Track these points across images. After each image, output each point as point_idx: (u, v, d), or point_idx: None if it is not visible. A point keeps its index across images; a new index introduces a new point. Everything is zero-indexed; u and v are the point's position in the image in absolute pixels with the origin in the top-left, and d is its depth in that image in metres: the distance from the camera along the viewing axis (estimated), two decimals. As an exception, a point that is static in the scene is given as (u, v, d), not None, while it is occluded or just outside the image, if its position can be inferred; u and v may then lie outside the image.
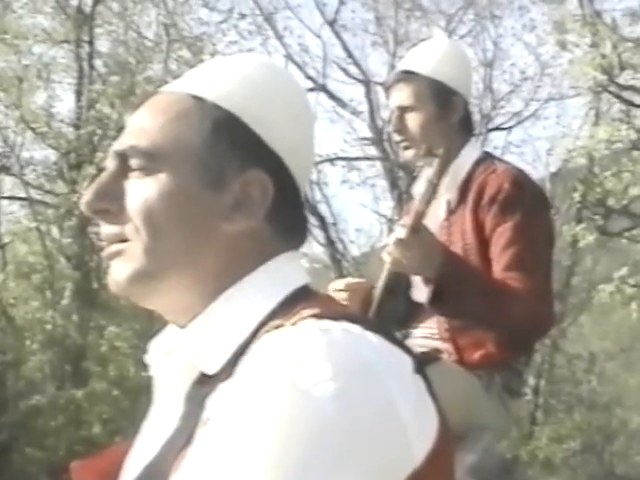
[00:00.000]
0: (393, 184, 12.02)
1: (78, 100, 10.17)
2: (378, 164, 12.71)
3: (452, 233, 2.02)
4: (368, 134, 12.52)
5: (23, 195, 10.44)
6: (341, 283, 2.14)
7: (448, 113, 2.06)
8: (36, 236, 10.06)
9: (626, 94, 9.40)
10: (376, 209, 13.21)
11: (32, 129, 10.06)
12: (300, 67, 12.28)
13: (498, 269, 1.94)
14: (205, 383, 0.80)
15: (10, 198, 10.98)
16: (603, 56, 8.87)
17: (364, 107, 12.43)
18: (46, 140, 10.18)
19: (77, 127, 10.03)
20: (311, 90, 11.89)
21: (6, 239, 10.69)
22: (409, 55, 2.18)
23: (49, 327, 9.28)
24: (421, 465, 0.73)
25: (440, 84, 2.05)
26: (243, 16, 11.63)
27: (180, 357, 0.83)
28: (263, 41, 12.02)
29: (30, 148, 10.49)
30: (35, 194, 10.46)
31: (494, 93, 12.69)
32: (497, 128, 12.91)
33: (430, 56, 2.08)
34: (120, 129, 0.90)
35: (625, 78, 9.12)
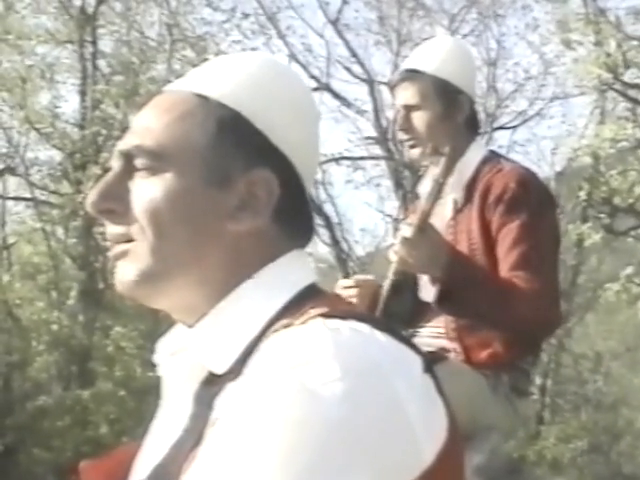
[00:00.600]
0: (398, 183, 12.01)
1: (82, 100, 10.19)
2: (383, 164, 12.71)
3: (458, 232, 2.02)
4: (373, 133, 12.53)
5: (28, 196, 10.46)
6: (349, 280, 2.13)
7: (454, 112, 2.05)
8: (41, 237, 10.08)
9: (632, 92, 9.38)
10: (381, 209, 13.22)
11: (36, 129, 10.07)
12: (304, 67, 12.29)
13: (504, 268, 1.94)
14: (213, 383, 0.79)
15: (15, 199, 11.01)
16: (608, 54, 8.86)
17: (368, 106, 12.44)
18: (51, 140, 10.19)
19: (82, 127, 10.05)
20: (315, 90, 11.90)
21: (11, 240, 10.70)
22: (414, 54, 2.17)
23: (55, 328, 9.30)
24: (431, 465, 0.72)
25: (445, 83, 2.05)
26: (246, 16, 11.65)
27: (188, 357, 0.83)
28: (266, 40, 12.04)
29: (35, 149, 10.51)
30: (40, 195, 10.47)
31: (498, 92, 12.68)
32: (502, 127, 12.90)
33: (435, 55, 2.08)
34: (124, 129, 0.90)
35: (630, 76, 9.11)
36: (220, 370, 0.80)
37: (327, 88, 12.47)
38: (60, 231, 10.13)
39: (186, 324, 0.86)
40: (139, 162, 0.83)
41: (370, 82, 12.45)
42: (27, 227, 10.58)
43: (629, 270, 9.21)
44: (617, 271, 9.62)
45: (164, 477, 0.77)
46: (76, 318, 9.50)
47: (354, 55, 12.64)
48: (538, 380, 10.95)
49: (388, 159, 12.23)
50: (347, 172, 12.96)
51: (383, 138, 12.14)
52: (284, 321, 0.78)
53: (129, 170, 0.84)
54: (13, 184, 10.83)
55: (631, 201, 9.31)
